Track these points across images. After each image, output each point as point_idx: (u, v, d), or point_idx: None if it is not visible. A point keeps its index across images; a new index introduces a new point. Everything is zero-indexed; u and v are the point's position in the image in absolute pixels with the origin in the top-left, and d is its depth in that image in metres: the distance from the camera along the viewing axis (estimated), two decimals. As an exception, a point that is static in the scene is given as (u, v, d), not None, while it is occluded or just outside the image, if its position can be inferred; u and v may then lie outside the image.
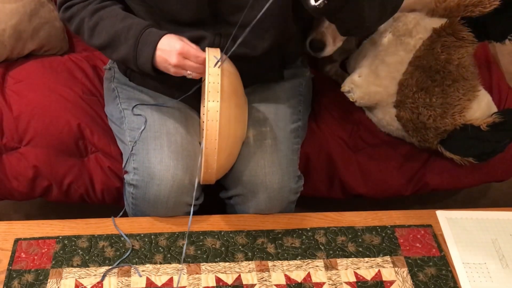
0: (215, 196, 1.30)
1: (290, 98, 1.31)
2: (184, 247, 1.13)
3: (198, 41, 1.17)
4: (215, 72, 1.02)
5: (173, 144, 1.17)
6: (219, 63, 1.02)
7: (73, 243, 1.13)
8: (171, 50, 1.07)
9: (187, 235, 1.15)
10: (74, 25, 1.19)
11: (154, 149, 1.16)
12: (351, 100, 1.37)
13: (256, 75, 1.30)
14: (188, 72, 1.09)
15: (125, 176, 1.21)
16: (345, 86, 1.38)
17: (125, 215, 1.25)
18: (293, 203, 1.25)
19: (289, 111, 1.28)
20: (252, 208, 1.21)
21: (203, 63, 1.05)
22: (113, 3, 1.19)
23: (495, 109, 1.39)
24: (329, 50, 1.36)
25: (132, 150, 1.20)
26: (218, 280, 1.08)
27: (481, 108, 1.34)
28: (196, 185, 1.13)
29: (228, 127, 1.05)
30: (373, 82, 1.35)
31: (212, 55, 1.03)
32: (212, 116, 1.00)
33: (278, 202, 1.20)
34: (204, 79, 1.04)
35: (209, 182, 1.14)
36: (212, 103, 1.00)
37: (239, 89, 1.11)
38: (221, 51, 1.07)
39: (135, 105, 1.26)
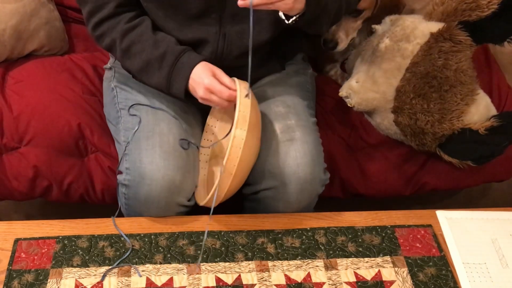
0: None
1: (302, 94, 1.33)
2: (203, 243, 1.13)
3: (201, 44, 1.19)
4: (246, 103, 1.07)
5: (165, 144, 1.17)
6: (250, 94, 1.09)
7: (73, 243, 1.13)
8: (199, 83, 1.12)
9: (206, 233, 1.15)
10: (104, 44, 1.22)
11: (146, 149, 1.16)
12: (349, 105, 1.38)
13: (260, 66, 1.30)
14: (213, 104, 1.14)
15: (118, 176, 1.21)
16: (343, 92, 1.38)
17: (121, 214, 1.24)
18: (317, 197, 1.25)
19: (305, 104, 1.30)
20: (282, 201, 1.21)
21: (227, 99, 1.10)
22: (142, 20, 1.20)
23: (494, 111, 1.38)
24: (343, 45, 1.42)
25: (125, 150, 1.20)
26: (218, 280, 1.08)
27: (479, 111, 1.34)
28: (194, 187, 1.14)
29: (249, 156, 1.09)
30: (370, 88, 1.35)
31: (243, 86, 1.10)
32: (237, 143, 1.04)
33: (308, 194, 1.21)
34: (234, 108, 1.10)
35: (208, 205, 1.14)
36: (240, 131, 1.05)
37: (260, 122, 1.16)
38: (224, 58, 1.13)
39: (132, 105, 1.26)
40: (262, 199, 1.24)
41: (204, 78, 1.12)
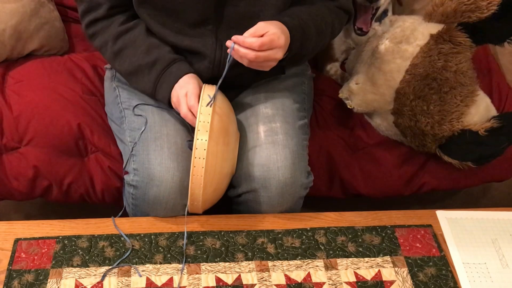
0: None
1: (295, 96, 1.32)
2: (184, 246, 1.13)
3: (198, 55, 1.20)
4: (206, 112, 1.07)
5: (173, 146, 1.17)
6: (211, 102, 1.08)
7: (73, 243, 1.13)
8: (171, 98, 1.17)
9: (185, 235, 1.15)
10: (96, 43, 1.25)
11: (154, 150, 1.17)
12: (348, 107, 1.38)
13: (258, 72, 1.30)
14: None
15: (125, 176, 1.21)
16: (343, 93, 1.38)
17: (125, 214, 1.25)
18: (302, 199, 1.25)
19: (295, 107, 1.29)
20: (264, 204, 1.21)
21: (191, 121, 1.11)
22: (135, 24, 1.22)
23: (494, 111, 1.38)
24: (383, 1, 1.43)
25: (132, 151, 1.20)
26: (218, 280, 1.08)
27: (479, 112, 1.34)
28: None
29: (215, 164, 1.08)
30: (370, 90, 1.35)
31: (207, 93, 1.09)
32: (200, 153, 1.05)
33: (290, 197, 1.20)
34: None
35: (196, 212, 1.16)
36: (201, 141, 1.05)
37: (231, 126, 1.15)
38: (221, 68, 1.12)
39: (136, 105, 1.26)
40: (245, 202, 1.24)
41: (175, 94, 1.15)
